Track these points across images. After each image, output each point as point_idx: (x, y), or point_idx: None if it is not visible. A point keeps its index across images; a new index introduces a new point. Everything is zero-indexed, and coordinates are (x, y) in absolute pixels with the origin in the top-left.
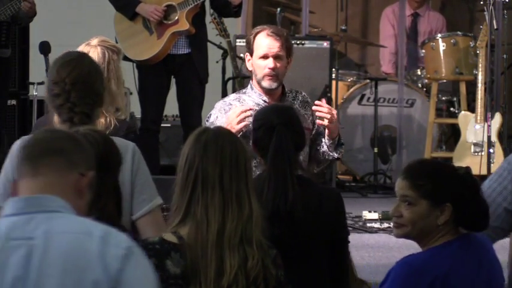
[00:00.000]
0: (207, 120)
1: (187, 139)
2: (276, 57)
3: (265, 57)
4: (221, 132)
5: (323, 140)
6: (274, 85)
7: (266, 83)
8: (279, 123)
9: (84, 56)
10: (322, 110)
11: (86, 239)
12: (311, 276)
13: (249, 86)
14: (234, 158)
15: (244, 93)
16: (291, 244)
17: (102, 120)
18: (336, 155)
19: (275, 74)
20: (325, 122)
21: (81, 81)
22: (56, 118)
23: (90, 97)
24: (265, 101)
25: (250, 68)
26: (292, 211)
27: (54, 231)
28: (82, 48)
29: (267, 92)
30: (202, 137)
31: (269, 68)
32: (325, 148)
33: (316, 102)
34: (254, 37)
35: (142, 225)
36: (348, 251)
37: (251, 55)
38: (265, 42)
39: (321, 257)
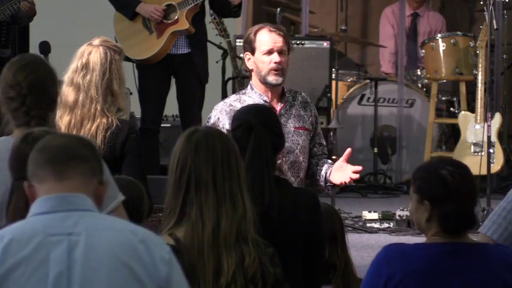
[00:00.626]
0: (208, 122)
1: (178, 140)
2: (280, 52)
3: (270, 52)
4: (211, 132)
5: (322, 174)
6: (280, 80)
7: (272, 78)
8: (258, 123)
9: (40, 60)
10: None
11: (131, 237)
12: (287, 277)
13: (248, 86)
14: (226, 157)
15: (244, 93)
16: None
17: (104, 120)
18: (330, 193)
19: (281, 68)
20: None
21: (37, 85)
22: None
23: (45, 101)
24: (265, 101)
25: (251, 67)
26: (268, 212)
27: (97, 227)
28: (84, 48)
29: (268, 91)
30: (192, 138)
31: (275, 62)
32: (322, 184)
33: (358, 169)
34: (255, 35)
35: None
36: (323, 253)
37: (253, 53)
38: (269, 37)
39: (296, 258)
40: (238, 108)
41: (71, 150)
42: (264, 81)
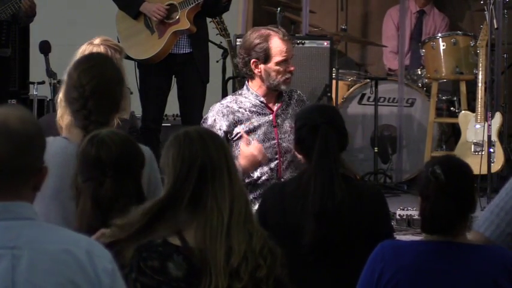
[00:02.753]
0: (204, 123)
1: (169, 145)
2: (291, 59)
3: (284, 61)
4: (202, 127)
5: None
6: (290, 86)
7: (285, 86)
8: (323, 122)
9: (107, 62)
10: None
11: (75, 250)
12: (355, 274)
13: (244, 87)
14: (226, 145)
15: (240, 94)
16: (337, 242)
17: None
18: None
19: (292, 75)
20: None
21: (101, 90)
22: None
23: (106, 106)
24: (262, 102)
25: (258, 74)
26: (339, 210)
27: (40, 240)
28: (85, 47)
29: (268, 93)
30: (191, 134)
31: (290, 71)
32: None
33: None
34: (268, 43)
35: None
36: None
37: (265, 61)
38: (284, 47)
39: (364, 254)
40: (235, 109)
41: (5, 163)
42: (273, 88)
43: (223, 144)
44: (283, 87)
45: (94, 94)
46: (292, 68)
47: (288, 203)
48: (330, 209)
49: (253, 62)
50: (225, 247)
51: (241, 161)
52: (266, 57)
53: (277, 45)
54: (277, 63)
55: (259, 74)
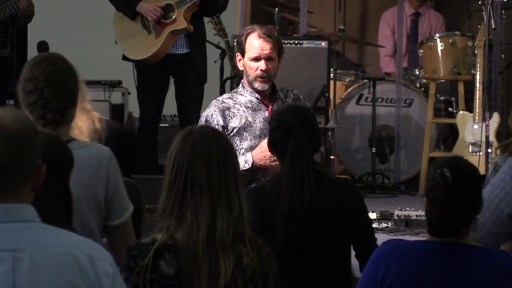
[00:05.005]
0: (201, 119)
1: (174, 140)
2: (268, 59)
3: (257, 59)
4: (207, 132)
5: None
6: (265, 87)
7: (258, 84)
8: (297, 124)
9: (58, 56)
10: None
11: (77, 252)
12: (330, 273)
13: (240, 85)
14: (222, 158)
15: (237, 92)
16: (307, 242)
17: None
18: None
19: (267, 76)
20: None
21: (55, 78)
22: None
23: (62, 94)
24: (257, 99)
25: (241, 68)
26: (308, 212)
27: (42, 243)
28: None
29: (259, 91)
30: (189, 139)
31: (261, 70)
32: None
33: None
34: (246, 38)
35: (118, 231)
36: (370, 235)
37: (242, 55)
38: (258, 43)
39: (339, 251)
40: (230, 105)
41: (3, 165)
42: (251, 85)
43: (211, 159)
44: (256, 84)
45: (48, 83)
46: (264, 68)
47: (267, 202)
48: (299, 210)
49: (237, 55)
50: (209, 266)
51: (254, 152)
52: (242, 52)
53: (251, 41)
54: (250, 60)
55: (242, 68)
